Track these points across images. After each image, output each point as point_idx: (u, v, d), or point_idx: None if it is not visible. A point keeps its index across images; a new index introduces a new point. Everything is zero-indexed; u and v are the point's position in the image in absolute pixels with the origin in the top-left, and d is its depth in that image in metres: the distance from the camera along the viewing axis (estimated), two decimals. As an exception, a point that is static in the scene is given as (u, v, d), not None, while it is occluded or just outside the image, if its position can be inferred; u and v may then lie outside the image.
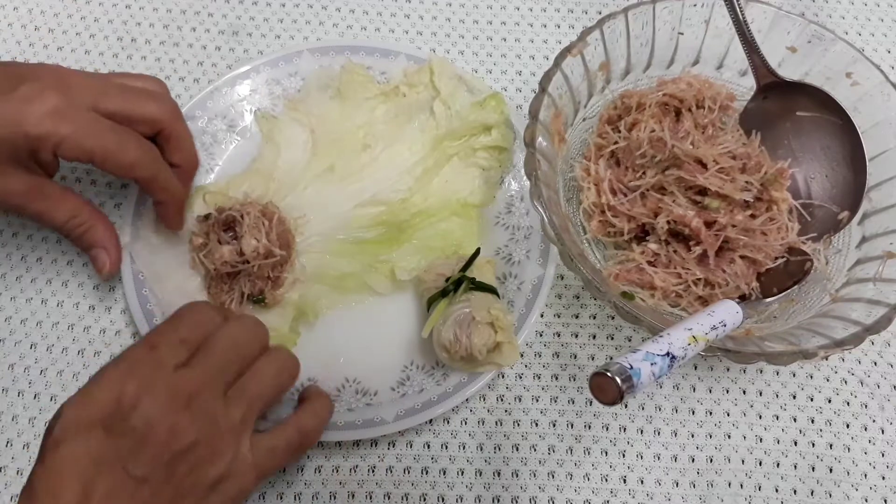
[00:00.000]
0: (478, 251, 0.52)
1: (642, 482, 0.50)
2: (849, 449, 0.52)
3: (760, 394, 0.53)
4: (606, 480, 0.50)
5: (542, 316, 0.55)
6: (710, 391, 0.53)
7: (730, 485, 0.50)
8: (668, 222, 0.51)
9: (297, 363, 0.45)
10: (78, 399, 0.38)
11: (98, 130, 0.44)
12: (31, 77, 0.44)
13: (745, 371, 0.54)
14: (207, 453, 0.39)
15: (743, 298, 0.52)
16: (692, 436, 0.52)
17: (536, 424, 0.51)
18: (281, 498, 0.49)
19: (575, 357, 0.54)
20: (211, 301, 0.51)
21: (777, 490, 0.50)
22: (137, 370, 0.38)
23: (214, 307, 0.44)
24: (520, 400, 0.52)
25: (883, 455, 0.52)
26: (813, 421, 0.52)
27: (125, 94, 0.47)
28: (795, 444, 0.52)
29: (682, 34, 0.57)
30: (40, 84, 0.43)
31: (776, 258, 0.53)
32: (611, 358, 0.52)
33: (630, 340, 0.55)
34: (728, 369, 0.54)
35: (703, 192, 0.51)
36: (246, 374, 0.42)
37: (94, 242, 0.48)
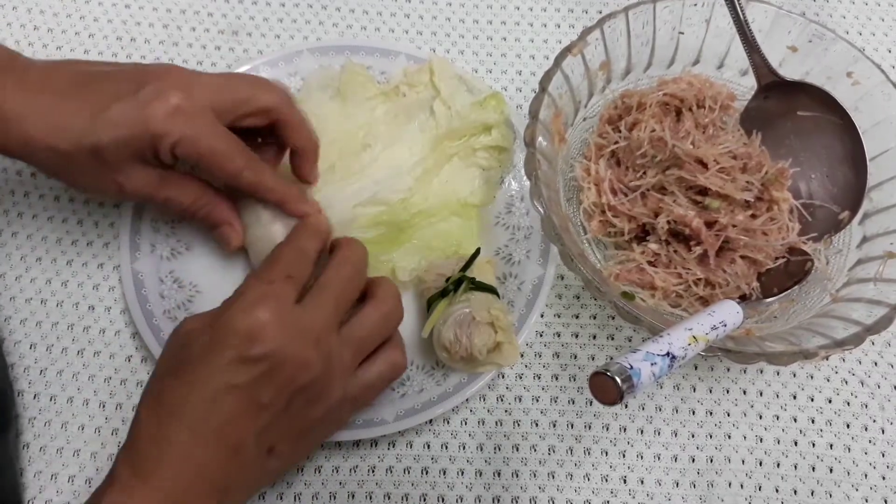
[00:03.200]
0: (478, 251, 0.52)
1: (642, 482, 0.50)
2: (849, 449, 0.52)
3: (761, 394, 0.53)
4: (607, 481, 0.50)
5: (542, 316, 0.55)
6: (711, 391, 0.53)
7: (730, 485, 0.50)
8: (669, 222, 0.51)
9: (402, 311, 0.46)
10: (210, 324, 0.40)
11: (213, 134, 0.46)
12: (154, 78, 0.46)
13: (745, 371, 0.54)
14: (321, 391, 0.42)
15: (743, 298, 0.52)
16: (692, 436, 0.51)
17: (536, 424, 0.51)
18: (281, 498, 0.49)
19: (575, 357, 0.54)
20: None
21: (777, 490, 0.50)
22: (265, 303, 0.40)
23: (309, 241, 0.46)
24: (520, 400, 0.52)
25: (883, 455, 0.52)
26: (813, 421, 0.52)
27: (241, 85, 0.48)
28: (796, 444, 0.52)
29: (682, 34, 0.57)
30: (163, 84, 0.45)
31: (777, 258, 0.53)
32: (611, 358, 0.52)
33: (630, 340, 0.55)
34: (728, 369, 0.54)
35: (703, 192, 0.51)
36: (355, 317, 0.44)
37: (220, 220, 0.50)
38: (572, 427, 0.51)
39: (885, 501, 0.50)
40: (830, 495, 0.50)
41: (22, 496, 0.47)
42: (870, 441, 0.52)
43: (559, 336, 0.54)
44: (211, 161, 0.46)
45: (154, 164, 0.46)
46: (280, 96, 0.49)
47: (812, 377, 0.54)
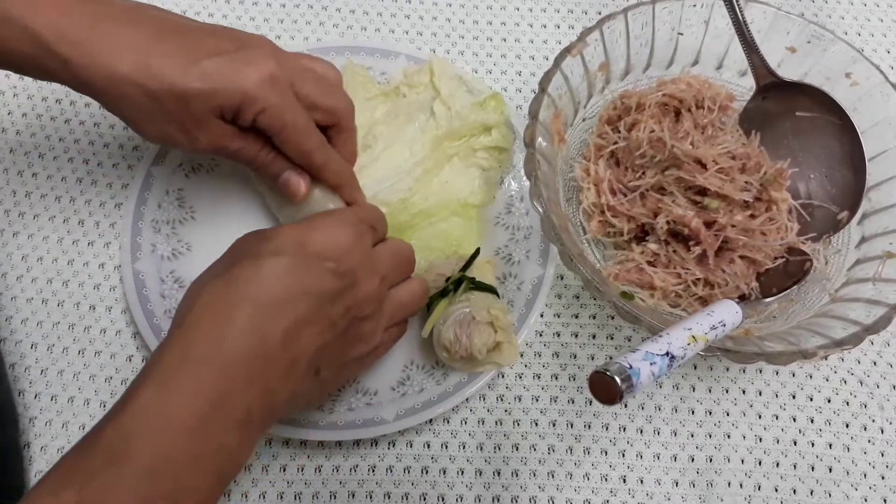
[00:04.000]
0: (478, 251, 0.53)
1: (642, 482, 0.50)
2: (848, 449, 0.52)
3: (760, 393, 0.53)
4: (606, 480, 0.50)
5: (541, 316, 0.55)
6: (710, 391, 0.53)
7: (729, 484, 0.50)
8: (668, 222, 0.51)
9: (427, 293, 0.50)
10: (304, 228, 0.41)
11: (296, 109, 0.47)
12: (252, 44, 0.47)
13: (744, 371, 0.54)
14: (369, 330, 0.44)
15: (742, 298, 0.52)
16: (692, 435, 0.52)
17: (536, 424, 0.51)
18: (281, 497, 0.49)
19: (575, 357, 0.54)
20: None
21: (776, 490, 0.50)
22: (351, 230, 0.42)
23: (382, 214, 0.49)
24: (519, 400, 0.52)
25: (882, 455, 0.52)
26: (812, 420, 0.53)
27: (318, 82, 0.49)
28: (795, 443, 0.52)
29: (681, 34, 0.57)
30: (261, 51, 0.46)
31: (776, 258, 0.53)
32: (610, 357, 0.52)
33: (630, 340, 0.55)
34: (727, 369, 0.54)
35: (702, 192, 0.52)
36: (404, 284, 0.47)
37: (285, 166, 0.50)
38: (572, 426, 0.51)
39: (885, 501, 0.51)
40: (829, 495, 0.50)
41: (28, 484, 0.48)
42: (869, 441, 0.52)
43: (559, 336, 0.54)
44: (290, 135, 0.47)
45: (228, 121, 0.47)
46: (347, 103, 0.51)
47: (811, 377, 0.54)
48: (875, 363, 0.55)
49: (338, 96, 0.50)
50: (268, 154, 0.49)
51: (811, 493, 0.50)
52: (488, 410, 0.52)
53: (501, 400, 0.52)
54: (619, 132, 0.55)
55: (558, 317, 0.55)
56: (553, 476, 0.50)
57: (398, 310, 0.47)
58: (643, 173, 0.53)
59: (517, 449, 0.51)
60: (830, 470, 0.51)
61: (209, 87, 0.44)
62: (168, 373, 0.35)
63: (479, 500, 0.49)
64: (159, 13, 0.47)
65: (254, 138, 0.48)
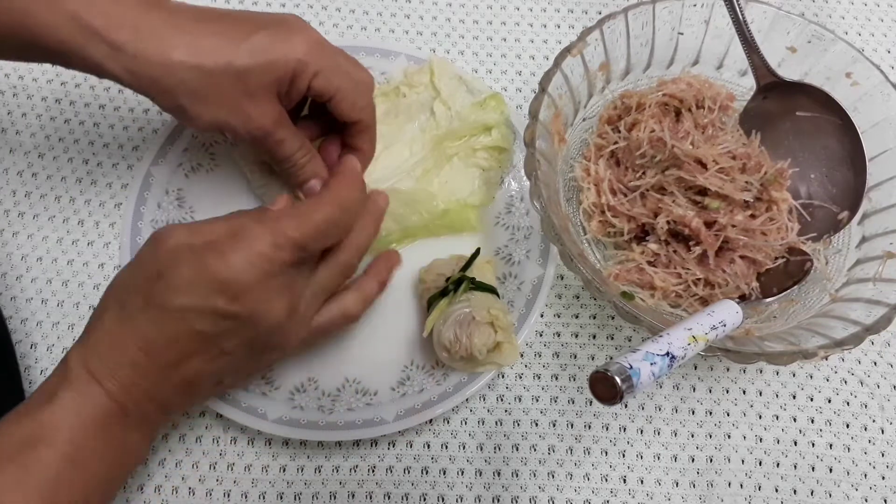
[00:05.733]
0: (478, 251, 0.53)
1: (642, 482, 0.50)
2: (849, 449, 0.52)
3: (760, 394, 0.53)
4: (606, 480, 0.50)
5: (542, 316, 0.55)
6: (710, 391, 0.53)
7: (730, 485, 0.50)
8: (668, 222, 0.51)
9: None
10: (208, 258, 0.39)
11: (345, 72, 0.48)
12: (289, 18, 0.48)
13: (744, 371, 0.54)
14: (279, 343, 0.43)
15: (743, 298, 0.52)
16: (692, 436, 0.52)
17: (536, 424, 0.51)
18: (281, 498, 0.49)
19: (575, 357, 0.54)
20: None
21: (777, 490, 0.50)
22: (258, 265, 0.40)
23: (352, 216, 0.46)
24: (520, 400, 0.52)
25: (883, 455, 0.52)
26: (813, 421, 0.52)
27: (348, 57, 0.50)
28: (795, 444, 0.52)
29: (681, 34, 0.57)
30: (300, 24, 0.48)
31: (776, 258, 0.53)
32: (610, 358, 0.52)
33: (630, 340, 0.55)
34: (728, 369, 0.54)
35: (703, 192, 0.52)
36: (324, 268, 0.45)
37: (315, 172, 0.51)
38: (572, 427, 0.51)
39: (885, 501, 0.50)
40: (830, 495, 0.50)
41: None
42: (869, 441, 0.52)
43: (559, 336, 0.54)
44: (345, 95, 0.48)
45: (282, 100, 0.47)
46: (371, 79, 0.51)
47: (811, 377, 0.54)
48: (875, 363, 0.55)
49: (366, 71, 0.51)
50: (303, 156, 0.50)
51: (811, 493, 0.50)
52: (488, 411, 0.52)
53: (501, 400, 0.52)
54: (620, 132, 0.55)
55: (558, 317, 0.55)
56: (553, 476, 0.50)
57: (323, 298, 0.46)
58: (643, 173, 0.53)
59: (517, 449, 0.51)
60: (831, 470, 0.51)
61: (264, 59, 0.45)
62: (82, 379, 0.39)
63: (479, 501, 0.49)
64: (189, 5, 0.47)
65: (295, 134, 0.49)
